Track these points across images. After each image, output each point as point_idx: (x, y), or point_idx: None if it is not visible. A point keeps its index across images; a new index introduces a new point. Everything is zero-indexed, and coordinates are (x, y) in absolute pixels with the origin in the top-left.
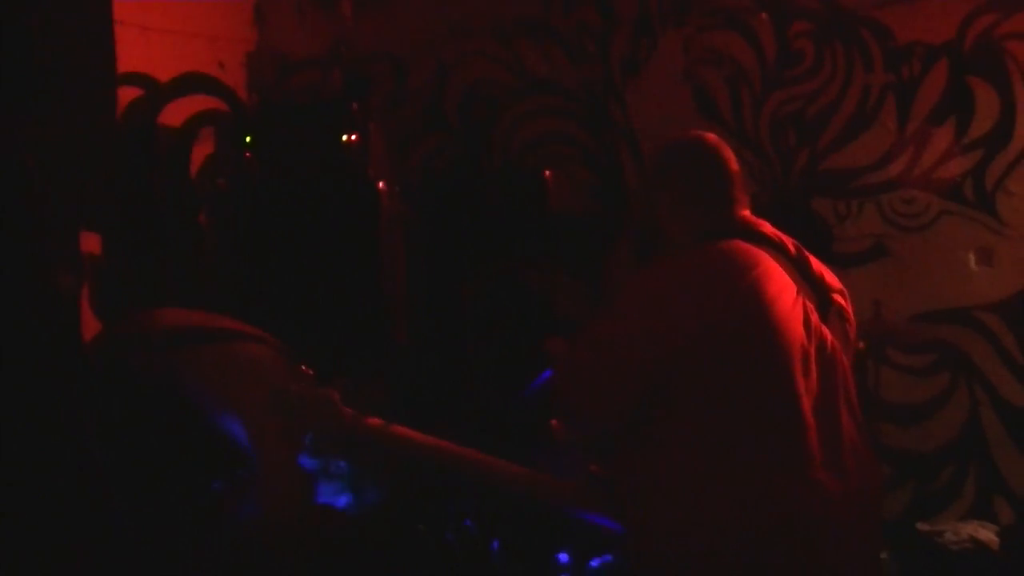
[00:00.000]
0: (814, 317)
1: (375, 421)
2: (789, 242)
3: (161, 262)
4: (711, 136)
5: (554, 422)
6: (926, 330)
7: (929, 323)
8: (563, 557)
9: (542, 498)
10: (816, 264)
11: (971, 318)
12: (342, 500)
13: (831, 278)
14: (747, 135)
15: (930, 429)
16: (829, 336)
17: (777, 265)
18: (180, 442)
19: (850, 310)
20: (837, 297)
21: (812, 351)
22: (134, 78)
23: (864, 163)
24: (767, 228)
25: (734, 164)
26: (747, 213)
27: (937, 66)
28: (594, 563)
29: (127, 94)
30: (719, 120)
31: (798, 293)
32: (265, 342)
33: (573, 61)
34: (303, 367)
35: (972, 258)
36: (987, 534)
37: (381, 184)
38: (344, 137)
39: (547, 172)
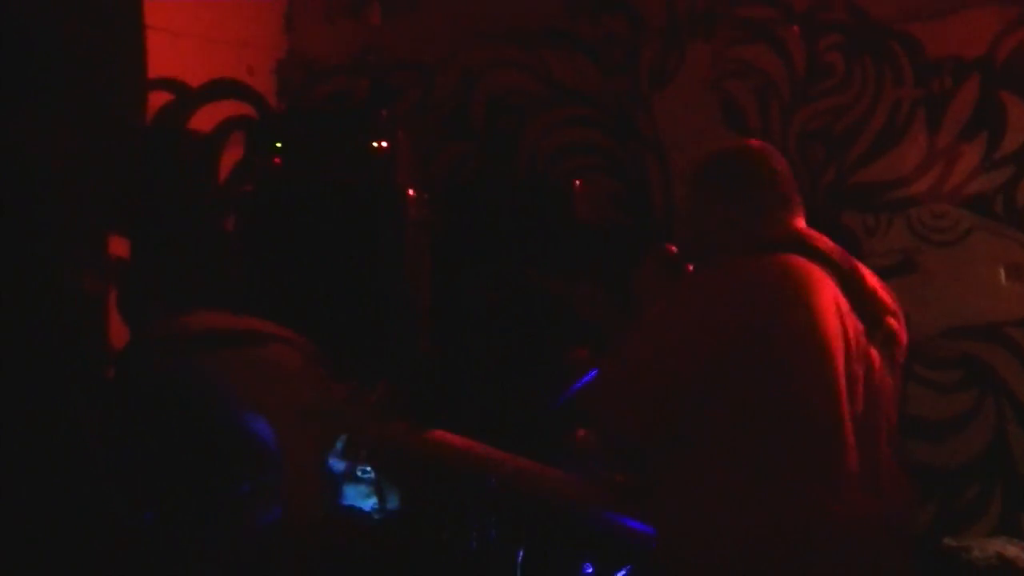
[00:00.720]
0: (863, 340)
1: (409, 429)
2: (845, 259)
3: (188, 266)
4: (763, 144)
5: (580, 432)
6: (954, 346)
7: (958, 339)
8: (587, 568)
9: (569, 498)
10: (871, 282)
11: (1000, 334)
12: (368, 504)
13: (887, 297)
14: (775, 147)
15: (956, 445)
16: (877, 359)
17: (831, 283)
18: (206, 447)
19: (903, 333)
20: (890, 320)
21: (859, 374)
22: (164, 83)
23: (894, 177)
24: (824, 243)
25: (787, 173)
26: (803, 225)
27: (969, 81)
28: (619, 575)
29: (157, 99)
30: (747, 132)
31: (847, 312)
32: (294, 344)
33: (600, 70)
34: (343, 381)
35: (1002, 273)
36: (1015, 551)
37: (410, 191)
38: (373, 144)
39: (575, 181)
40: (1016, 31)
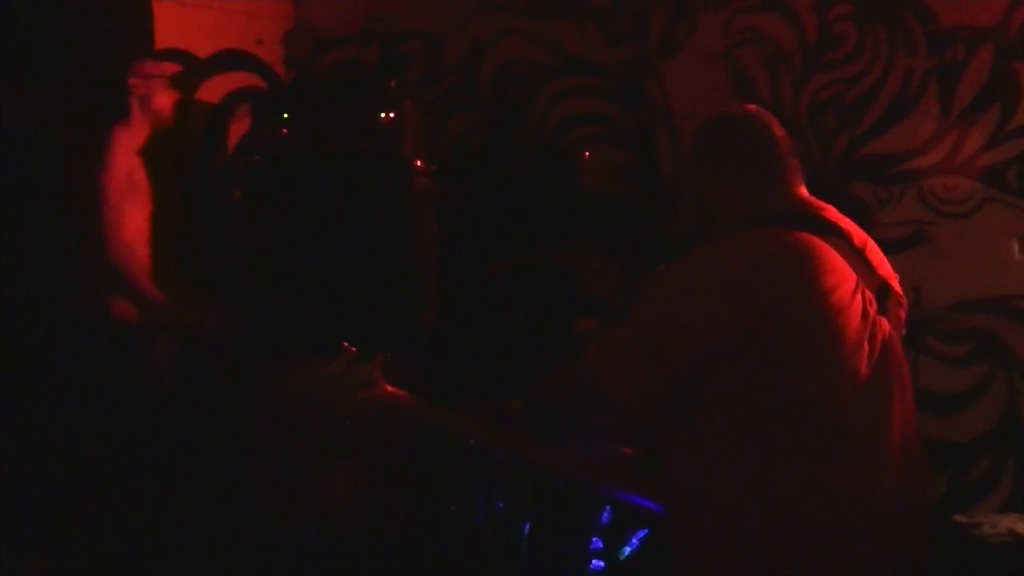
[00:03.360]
0: (872, 309)
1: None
2: (852, 229)
3: (195, 238)
4: (761, 109)
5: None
6: (966, 318)
7: (969, 312)
8: (596, 542)
9: (576, 474)
10: (873, 249)
11: (1012, 307)
12: None
13: (885, 264)
14: (786, 118)
15: (967, 419)
16: (887, 327)
17: (836, 255)
18: None
19: (903, 296)
20: (895, 284)
21: (867, 345)
22: (171, 53)
23: (905, 148)
24: (830, 213)
25: (787, 139)
26: (806, 195)
27: (982, 51)
28: (626, 550)
29: (164, 69)
30: (757, 102)
31: (857, 284)
32: None
33: (609, 40)
34: (344, 344)
35: (1015, 246)
36: None
37: (416, 162)
38: (380, 115)
39: (583, 152)
40: None
